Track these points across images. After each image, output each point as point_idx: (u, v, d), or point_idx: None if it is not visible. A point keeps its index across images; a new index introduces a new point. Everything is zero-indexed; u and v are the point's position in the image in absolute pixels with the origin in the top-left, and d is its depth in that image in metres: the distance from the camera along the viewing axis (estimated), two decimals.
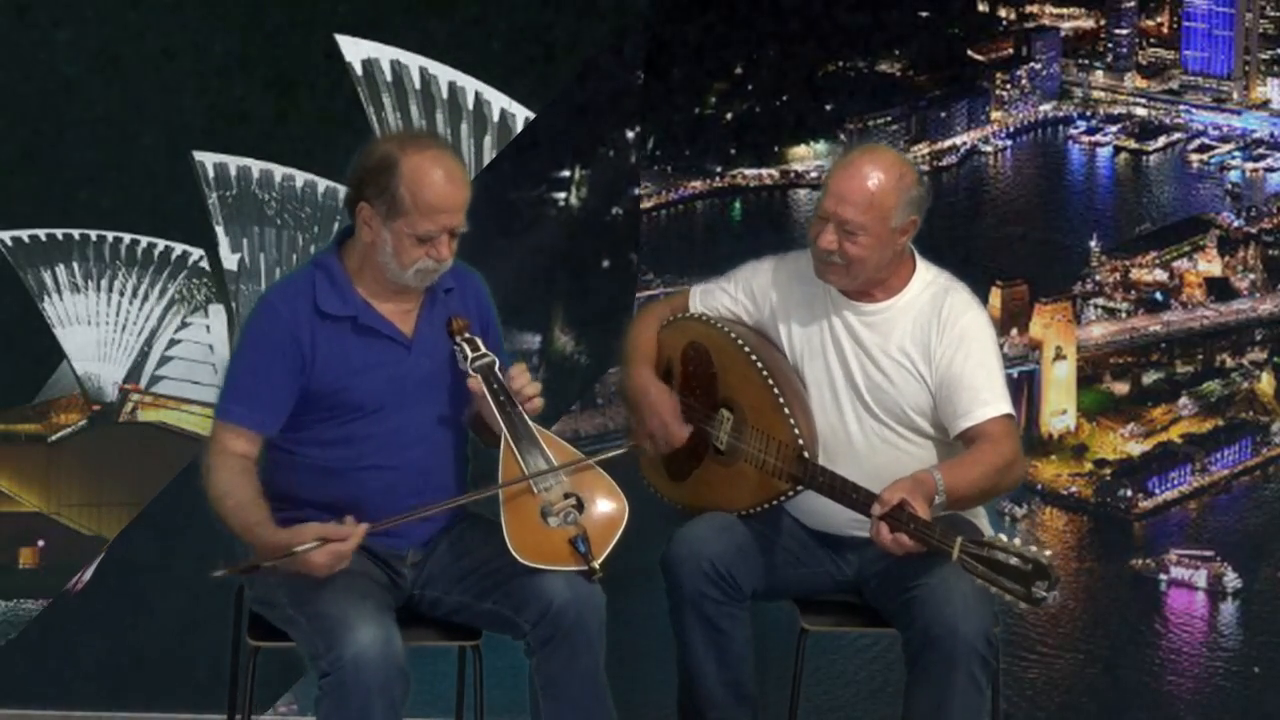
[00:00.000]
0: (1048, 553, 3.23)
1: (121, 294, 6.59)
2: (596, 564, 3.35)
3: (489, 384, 3.45)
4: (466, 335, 3.49)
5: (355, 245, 3.50)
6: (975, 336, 3.57)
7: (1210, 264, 6.80)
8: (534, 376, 3.52)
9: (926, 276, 3.65)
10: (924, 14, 6.66)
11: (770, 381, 3.58)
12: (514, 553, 3.35)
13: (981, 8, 6.77)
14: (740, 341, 3.65)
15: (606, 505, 3.44)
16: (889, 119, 6.78)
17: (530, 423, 3.47)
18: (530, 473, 3.40)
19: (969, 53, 6.83)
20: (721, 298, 3.79)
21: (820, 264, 3.58)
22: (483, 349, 3.49)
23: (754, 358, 3.62)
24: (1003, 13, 6.81)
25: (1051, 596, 3.21)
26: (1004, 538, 3.30)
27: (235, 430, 3.43)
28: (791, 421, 3.53)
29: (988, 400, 3.52)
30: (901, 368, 3.59)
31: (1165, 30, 6.93)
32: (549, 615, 3.37)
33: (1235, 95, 6.86)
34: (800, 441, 3.52)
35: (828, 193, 3.53)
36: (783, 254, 3.81)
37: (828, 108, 6.63)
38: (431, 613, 3.56)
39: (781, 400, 3.55)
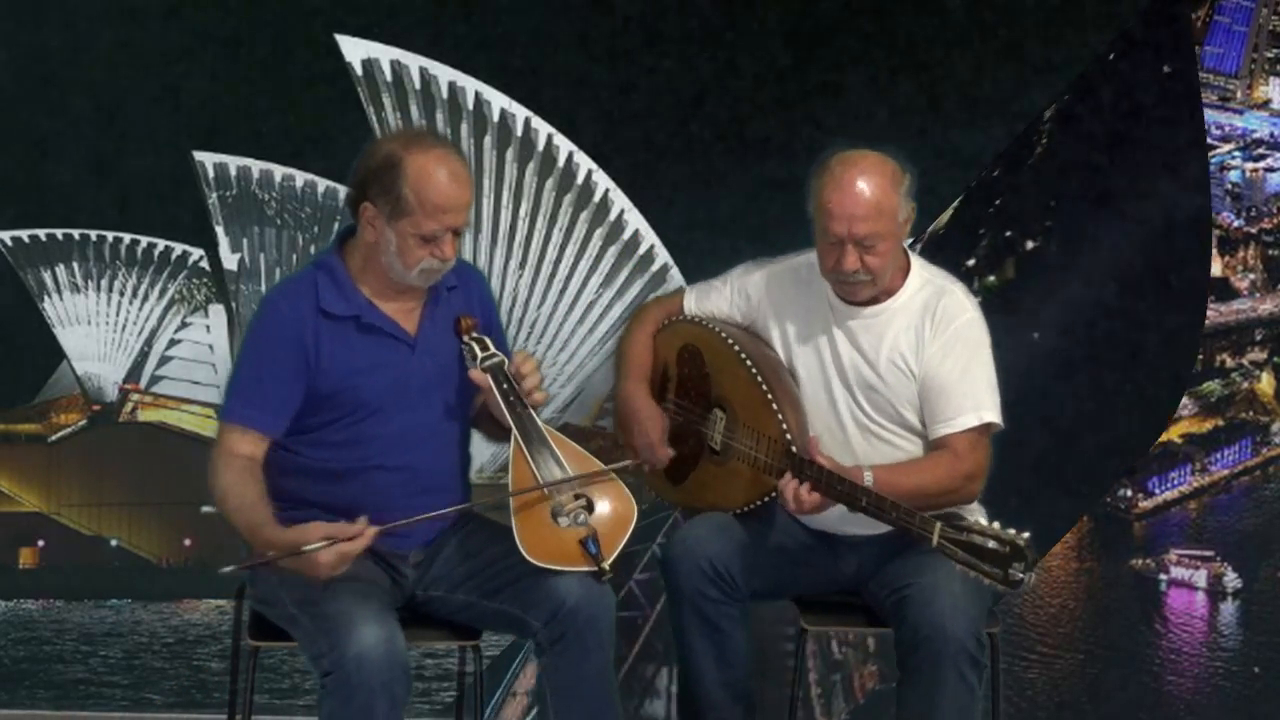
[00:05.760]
0: (1025, 534, 3.22)
1: (121, 294, 6.59)
2: (606, 564, 3.35)
3: (499, 384, 3.44)
4: (475, 335, 3.49)
5: (358, 245, 3.49)
6: (966, 339, 3.56)
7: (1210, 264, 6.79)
8: None
9: (923, 275, 3.65)
10: None
11: (759, 379, 3.58)
12: (525, 553, 3.34)
13: None
14: (730, 341, 3.65)
15: (615, 506, 3.44)
16: None
17: (540, 422, 3.47)
18: (544, 479, 3.39)
19: None
20: (716, 299, 3.79)
21: (844, 286, 3.56)
22: (492, 348, 3.48)
23: (744, 356, 3.62)
24: None
25: (1028, 578, 3.21)
26: (983, 521, 3.29)
27: (240, 431, 3.42)
28: (780, 417, 3.53)
29: (965, 409, 3.51)
30: (895, 368, 3.59)
31: (1200, 24, 6.87)
32: (560, 615, 3.36)
33: (1239, 94, 6.85)
34: (789, 437, 3.52)
35: (830, 217, 3.50)
36: (777, 257, 3.80)
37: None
38: (435, 613, 3.55)
39: (770, 397, 3.55)
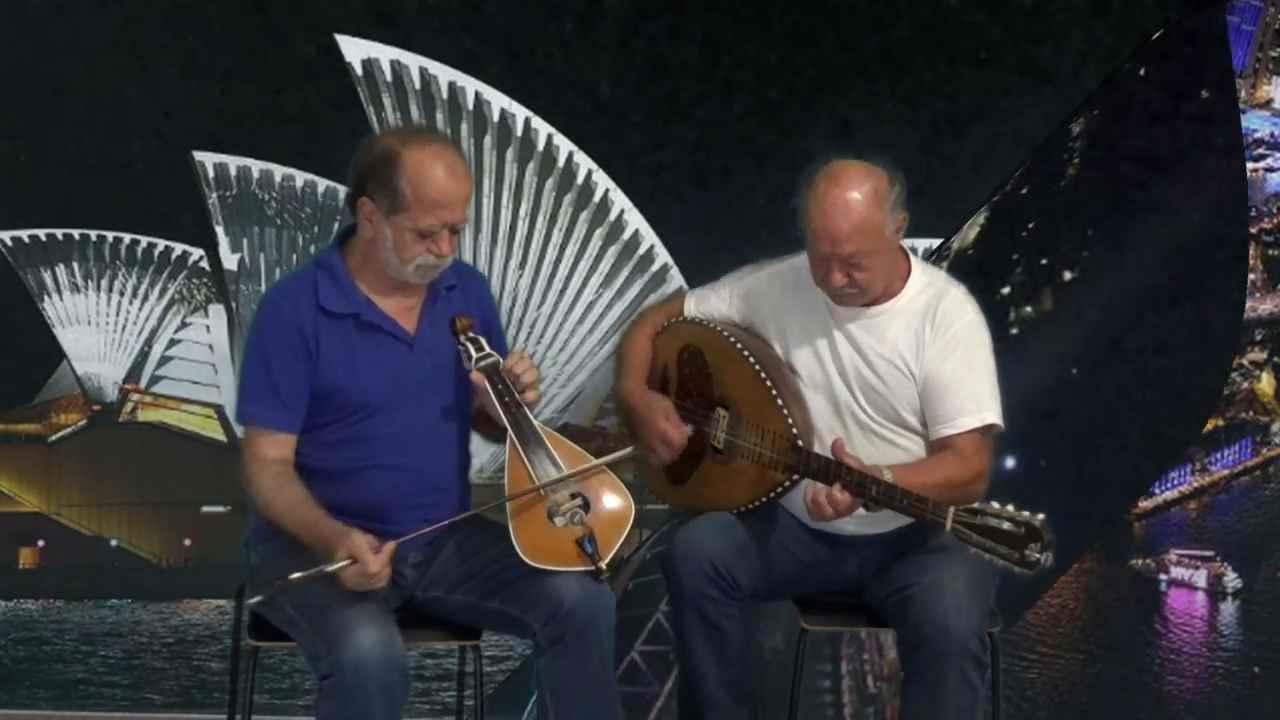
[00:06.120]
0: (1040, 515, 3.23)
1: (121, 294, 6.60)
2: (604, 564, 3.35)
3: (493, 384, 3.44)
4: (470, 335, 3.48)
5: (357, 242, 3.50)
6: (967, 341, 3.57)
7: None
8: None
9: (923, 278, 3.65)
10: None
11: (763, 375, 3.58)
12: (522, 554, 3.34)
13: None
14: (732, 339, 3.66)
15: (612, 504, 3.43)
16: None
17: (535, 422, 3.46)
18: (540, 480, 3.39)
19: None
20: (715, 302, 3.79)
21: (836, 297, 3.58)
22: (486, 349, 3.48)
23: (746, 353, 3.62)
24: None
25: (1045, 558, 3.21)
26: (996, 504, 3.29)
27: (265, 434, 3.42)
28: (785, 412, 3.54)
29: (969, 410, 3.52)
30: (894, 369, 3.59)
31: None
32: (559, 615, 3.37)
33: (1243, 94, 6.85)
34: (794, 431, 3.52)
35: (816, 236, 3.51)
36: (778, 259, 3.80)
37: None
38: (435, 613, 3.55)
39: (774, 392, 3.56)
